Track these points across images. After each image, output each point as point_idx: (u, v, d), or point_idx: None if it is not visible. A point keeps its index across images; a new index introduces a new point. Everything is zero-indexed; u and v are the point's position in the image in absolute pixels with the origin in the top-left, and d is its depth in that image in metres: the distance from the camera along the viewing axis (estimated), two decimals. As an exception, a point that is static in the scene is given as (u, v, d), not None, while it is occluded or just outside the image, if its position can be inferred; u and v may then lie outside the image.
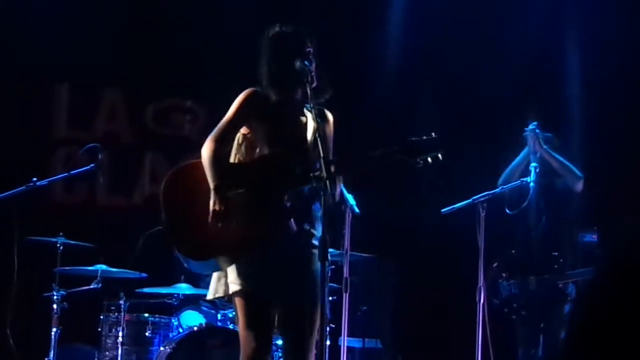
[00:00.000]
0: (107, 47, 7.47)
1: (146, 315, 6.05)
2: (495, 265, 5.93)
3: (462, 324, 5.94)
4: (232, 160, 4.12)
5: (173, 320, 5.99)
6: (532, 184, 5.83)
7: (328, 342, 5.52)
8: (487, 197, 5.60)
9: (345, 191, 4.81)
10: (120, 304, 6.00)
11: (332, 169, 3.85)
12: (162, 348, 5.80)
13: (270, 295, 4.00)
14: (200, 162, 4.04)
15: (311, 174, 3.91)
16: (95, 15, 7.44)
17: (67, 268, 6.03)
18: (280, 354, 5.12)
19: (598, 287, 1.96)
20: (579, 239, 6.17)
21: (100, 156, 5.77)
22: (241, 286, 3.96)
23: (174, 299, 6.18)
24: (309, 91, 3.95)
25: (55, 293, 5.98)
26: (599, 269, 1.98)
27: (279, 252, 3.95)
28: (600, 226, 6.18)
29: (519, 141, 6.10)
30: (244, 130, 4.12)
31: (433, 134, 3.98)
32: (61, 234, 6.04)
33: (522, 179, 5.86)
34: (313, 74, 4.03)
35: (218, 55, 7.56)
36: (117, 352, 5.92)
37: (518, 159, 6.06)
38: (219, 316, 5.99)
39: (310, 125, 4.04)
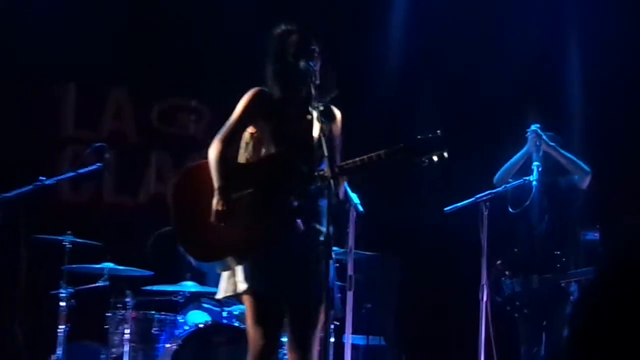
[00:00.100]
0: (113, 47, 7.45)
1: (153, 312, 6.04)
2: (498, 263, 5.91)
3: (465, 321, 5.93)
4: (240, 158, 4.11)
5: (179, 318, 5.98)
6: (534, 182, 5.80)
7: (332, 339, 5.52)
8: (489, 196, 5.59)
9: (349, 190, 4.79)
10: (127, 302, 6.00)
11: (337, 168, 3.84)
12: (168, 345, 5.79)
13: (277, 294, 4.00)
14: (208, 163, 4.03)
15: (316, 173, 3.90)
16: (101, 16, 7.43)
17: (74, 266, 6.02)
18: (285, 351, 5.10)
19: (598, 287, 1.95)
20: (581, 237, 6.15)
21: (106, 155, 5.77)
22: (249, 285, 3.96)
23: (180, 297, 6.17)
24: (313, 90, 3.93)
25: (62, 291, 5.97)
26: (599, 269, 1.98)
27: (285, 252, 3.94)
28: (602, 224, 6.16)
29: (520, 141, 6.08)
30: (250, 129, 4.11)
31: (438, 131, 3.95)
32: (68, 232, 6.03)
33: (524, 178, 5.83)
34: (317, 73, 4.02)
35: (222, 55, 7.55)
36: (124, 349, 5.90)
37: (515, 157, 6.03)
38: (224, 314, 5.98)
39: (316, 124, 4.02)
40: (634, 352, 1.81)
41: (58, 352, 5.94)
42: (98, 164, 5.74)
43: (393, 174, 6.67)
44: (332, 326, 5.58)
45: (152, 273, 6.16)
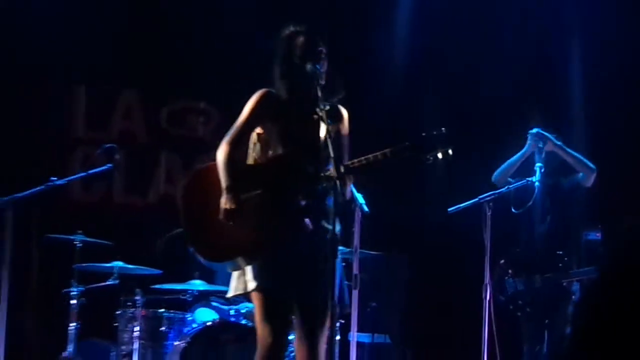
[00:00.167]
0: (124, 50, 7.47)
1: (161, 310, 6.04)
2: (501, 262, 5.90)
3: (468, 320, 5.92)
4: (248, 159, 4.13)
5: (187, 316, 5.99)
6: (537, 183, 5.80)
7: (338, 337, 5.53)
8: (493, 197, 5.59)
9: (354, 190, 4.80)
10: (137, 300, 6.00)
11: (343, 168, 3.85)
12: (176, 343, 5.80)
13: (285, 293, 4.01)
14: (216, 165, 4.04)
15: (322, 174, 3.90)
16: (112, 20, 7.43)
17: (85, 265, 6.03)
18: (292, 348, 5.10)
19: (600, 288, 1.95)
20: (583, 237, 6.14)
21: (116, 156, 5.78)
22: (258, 283, 3.98)
23: (188, 295, 6.18)
24: (319, 92, 3.94)
25: (73, 289, 5.99)
26: (600, 269, 1.98)
27: (294, 251, 3.95)
28: (603, 225, 6.15)
29: (521, 141, 6.07)
30: (258, 130, 4.12)
31: (442, 129, 3.95)
32: (79, 231, 6.05)
33: (527, 179, 5.83)
34: (324, 75, 4.03)
35: (230, 58, 7.55)
36: (134, 347, 5.91)
37: (514, 157, 6.03)
38: (232, 312, 5.98)
39: (323, 124, 4.02)
40: (635, 352, 1.81)
41: (69, 349, 5.96)
42: (108, 165, 5.75)
43: (397, 174, 6.66)
44: (338, 324, 5.59)
45: (161, 272, 6.17)
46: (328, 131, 3.89)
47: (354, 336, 5.52)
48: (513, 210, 5.87)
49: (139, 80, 7.74)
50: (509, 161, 6.03)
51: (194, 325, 5.89)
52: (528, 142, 5.94)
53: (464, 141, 4.09)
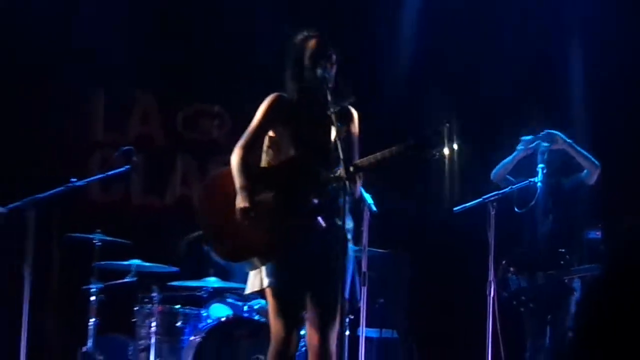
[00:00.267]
0: (141, 56, 7.47)
1: (177, 306, 6.04)
2: (503, 262, 5.88)
3: (473, 316, 5.90)
4: (262, 162, 4.13)
5: (202, 312, 5.99)
6: (539, 184, 5.82)
7: (347, 332, 5.51)
8: (497, 197, 5.60)
9: (363, 191, 4.79)
10: (154, 296, 6.00)
11: (351, 167, 3.84)
12: (192, 338, 5.80)
13: (297, 291, 4.03)
14: (231, 170, 4.05)
15: (332, 175, 3.89)
16: (130, 28, 7.44)
17: (104, 263, 6.04)
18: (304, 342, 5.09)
19: (602, 287, 1.93)
20: (584, 236, 6.12)
21: (134, 158, 5.78)
22: (270, 282, 4.00)
23: (203, 292, 6.17)
24: (329, 95, 3.93)
25: (93, 286, 5.99)
26: (603, 268, 1.95)
27: (306, 250, 3.96)
28: (604, 223, 6.11)
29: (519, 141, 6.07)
30: (271, 133, 4.12)
31: (447, 125, 3.92)
32: (98, 231, 6.05)
33: (530, 180, 5.84)
34: (333, 79, 4.01)
35: (243, 63, 7.56)
36: (151, 341, 5.91)
37: (508, 159, 6.02)
38: (245, 308, 5.98)
39: (333, 127, 4.01)
40: (634, 350, 1.79)
41: (88, 344, 5.96)
42: (126, 167, 5.75)
43: (403, 174, 6.64)
44: (348, 320, 5.58)
45: (178, 269, 6.17)
46: (338, 133, 3.87)
47: (363, 331, 5.52)
48: (516, 209, 5.86)
49: (156, 85, 7.75)
50: (503, 162, 6.03)
51: (209, 321, 5.89)
52: (520, 146, 5.95)
53: (465, 141, 4.05)
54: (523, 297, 5.83)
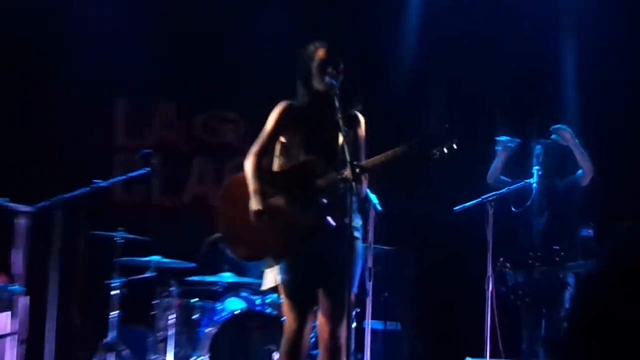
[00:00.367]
0: (161, 66, 7.53)
1: (194, 300, 6.06)
2: (502, 259, 5.89)
3: (472, 309, 5.91)
4: (275, 165, 4.16)
5: (218, 305, 6.00)
6: (534, 184, 5.85)
7: (354, 325, 5.53)
8: (495, 197, 5.65)
9: (368, 191, 4.81)
10: (172, 291, 6.02)
11: (357, 169, 3.86)
12: (208, 329, 5.82)
13: (309, 287, 4.10)
14: (245, 176, 4.09)
15: (339, 177, 3.92)
16: (150, 40, 7.49)
17: (125, 259, 6.07)
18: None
19: (597, 285, 1.94)
20: (577, 234, 6.12)
21: (154, 161, 5.81)
22: (284, 279, 4.06)
23: (218, 286, 6.19)
24: (337, 102, 3.95)
25: (115, 281, 6.02)
26: (599, 267, 1.96)
27: (318, 248, 3.99)
28: (597, 223, 6.10)
29: (521, 142, 6.06)
30: (282, 139, 4.16)
31: (446, 125, 3.94)
32: (120, 229, 6.08)
33: (525, 181, 5.88)
34: (340, 87, 4.03)
35: (256, 72, 7.58)
36: (169, 333, 5.94)
37: (495, 161, 6.03)
38: (258, 301, 6.00)
39: (341, 131, 4.03)
40: (628, 342, 1.79)
41: (111, 335, 5.99)
42: (146, 169, 5.79)
43: (405, 176, 6.64)
44: (354, 313, 5.59)
45: (195, 265, 6.19)
46: (345, 137, 3.90)
47: (369, 323, 5.53)
48: (513, 209, 5.88)
49: (174, 93, 7.79)
50: (492, 166, 6.04)
51: (224, 314, 5.91)
52: (497, 147, 5.98)
53: (466, 141, 4.06)
54: (520, 292, 5.84)
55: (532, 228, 5.96)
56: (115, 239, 6.05)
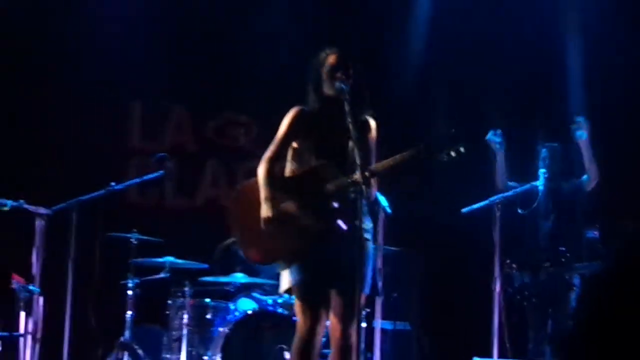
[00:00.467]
0: (174, 70, 7.55)
1: (207, 300, 6.07)
2: (509, 260, 5.88)
3: (480, 309, 5.90)
4: (287, 170, 4.17)
5: (230, 305, 6.01)
6: (540, 187, 5.85)
7: (364, 324, 5.53)
8: (502, 199, 5.63)
9: (378, 194, 4.80)
10: (186, 291, 6.03)
11: (367, 172, 3.86)
12: (221, 329, 5.83)
13: (321, 289, 4.08)
14: (257, 181, 4.11)
15: (349, 180, 3.92)
16: (164, 45, 7.51)
17: (140, 260, 6.08)
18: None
19: (603, 286, 1.93)
20: (583, 235, 6.11)
21: (168, 164, 5.82)
22: (297, 281, 4.06)
23: (231, 287, 6.20)
24: (347, 107, 3.95)
25: (130, 281, 6.04)
26: (604, 268, 1.95)
27: (329, 251, 3.99)
28: (602, 224, 6.09)
29: (521, 142, 6.05)
30: (294, 144, 4.16)
31: (453, 129, 3.94)
32: (135, 230, 6.10)
33: (532, 183, 5.87)
34: (350, 92, 4.03)
35: (268, 76, 7.59)
36: (183, 332, 5.95)
37: (497, 162, 6.01)
38: (269, 302, 6.00)
39: (351, 137, 4.03)
40: (633, 343, 1.79)
41: (126, 334, 6.00)
42: (160, 172, 5.80)
43: (414, 179, 6.63)
44: (364, 313, 5.60)
45: (208, 266, 6.20)
46: (355, 142, 3.90)
47: (378, 323, 5.54)
48: (519, 211, 5.87)
49: (188, 97, 7.81)
50: (496, 169, 6.01)
51: (236, 314, 5.92)
52: (494, 146, 5.96)
53: (473, 144, 4.05)
54: (526, 292, 5.84)
55: (538, 230, 5.95)
56: (130, 240, 6.06)
